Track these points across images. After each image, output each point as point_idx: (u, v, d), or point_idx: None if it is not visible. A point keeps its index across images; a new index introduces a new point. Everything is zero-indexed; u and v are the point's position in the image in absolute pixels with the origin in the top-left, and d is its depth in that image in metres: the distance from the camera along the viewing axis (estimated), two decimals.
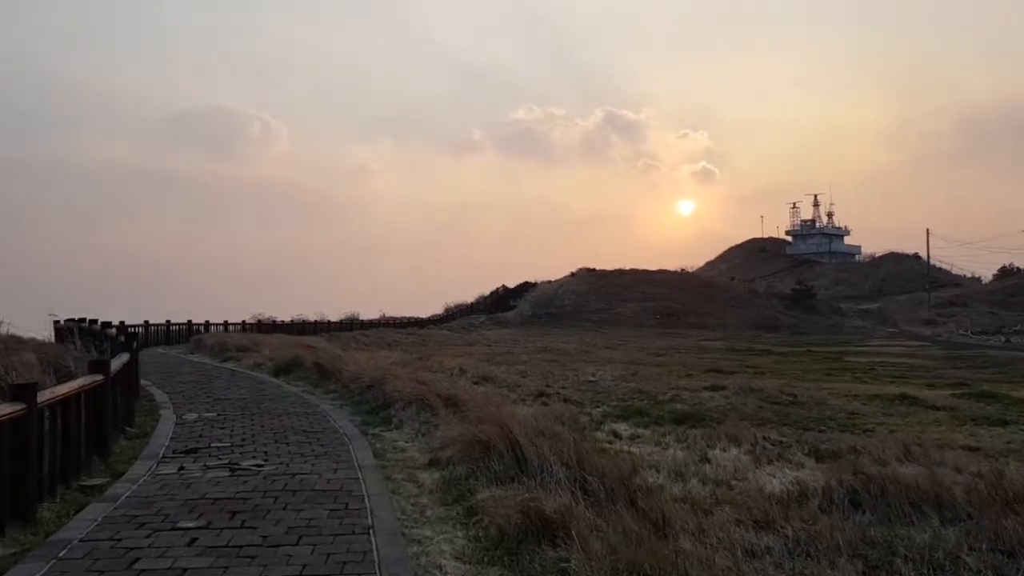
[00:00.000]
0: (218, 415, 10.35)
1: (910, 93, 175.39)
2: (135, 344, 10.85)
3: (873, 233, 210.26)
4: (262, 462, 7.44)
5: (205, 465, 7.33)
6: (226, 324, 35.78)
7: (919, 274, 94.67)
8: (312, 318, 45.66)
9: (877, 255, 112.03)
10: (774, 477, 9.56)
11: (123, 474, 6.96)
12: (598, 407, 15.96)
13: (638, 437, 12.38)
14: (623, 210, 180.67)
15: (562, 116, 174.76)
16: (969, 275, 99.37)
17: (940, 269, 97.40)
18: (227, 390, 12.87)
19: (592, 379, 20.73)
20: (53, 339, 20.42)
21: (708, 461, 10.45)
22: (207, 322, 34.12)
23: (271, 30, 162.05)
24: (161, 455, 7.79)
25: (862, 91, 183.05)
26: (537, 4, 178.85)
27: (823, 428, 14.09)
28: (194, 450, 8.04)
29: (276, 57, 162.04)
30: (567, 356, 34.19)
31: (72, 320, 18.10)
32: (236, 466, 7.30)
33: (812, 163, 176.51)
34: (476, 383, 18.44)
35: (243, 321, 37.87)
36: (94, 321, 16.72)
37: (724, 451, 11.18)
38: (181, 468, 7.23)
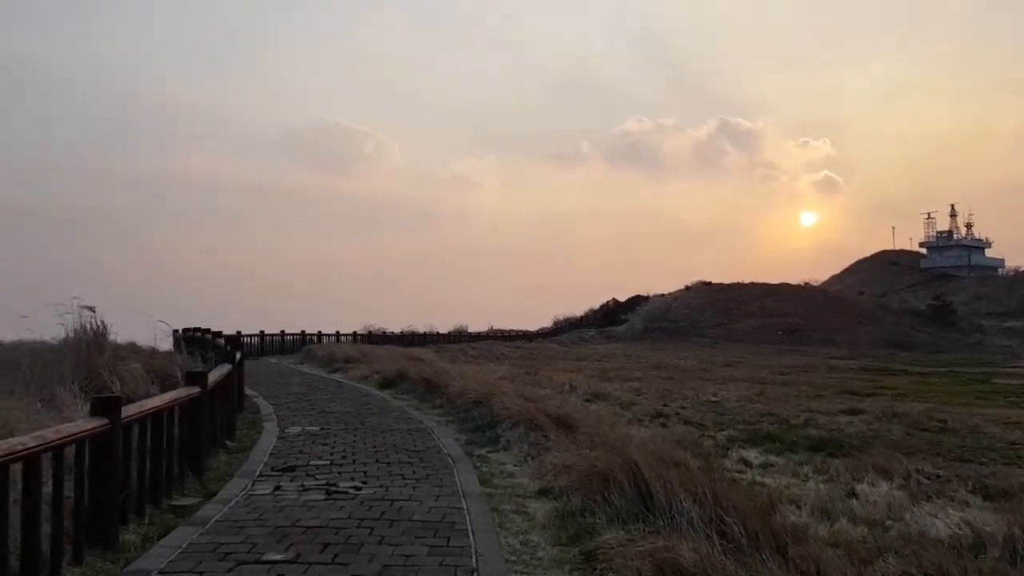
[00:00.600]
0: (321, 429, 9.92)
1: None
2: (239, 355, 10.61)
3: (1016, 245, 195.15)
4: (360, 484, 6.85)
5: (302, 485, 6.80)
6: (338, 335, 36.30)
7: None
8: (421, 330, 45.92)
9: (1022, 269, 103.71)
10: (936, 518, 8.23)
11: (216, 493, 6.51)
12: (723, 430, 14.75)
13: (771, 466, 11.18)
14: (739, 222, 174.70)
15: (672, 126, 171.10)
16: None
17: None
18: (332, 403, 12.52)
19: (714, 399, 19.42)
20: (172, 348, 21.03)
21: (855, 496, 9.20)
22: (320, 332, 34.68)
23: (379, 49, 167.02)
24: (258, 472, 7.34)
25: (995, 93, 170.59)
26: (645, 13, 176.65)
27: (983, 460, 12.43)
28: (292, 468, 7.55)
29: (385, 75, 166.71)
30: (684, 373, 32.72)
31: (187, 329, 18.43)
32: (334, 487, 6.74)
33: (944, 171, 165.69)
34: (588, 400, 17.56)
35: (354, 332, 38.36)
36: (206, 330, 16.89)
37: (873, 485, 9.85)
38: (277, 488, 6.72)
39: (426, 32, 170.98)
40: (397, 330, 43.77)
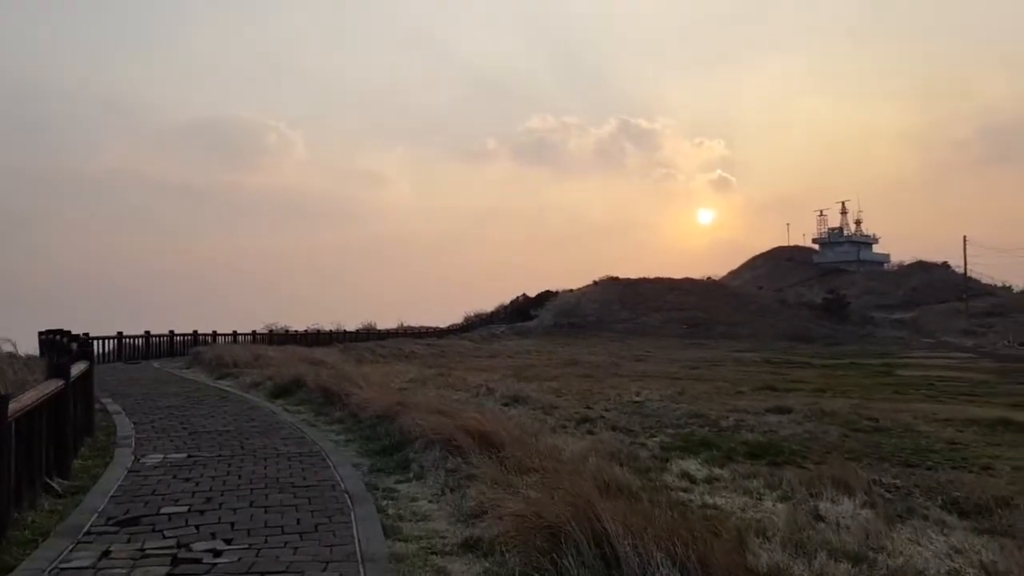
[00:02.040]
0: (188, 456, 8.05)
1: (932, 96, 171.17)
2: (82, 365, 8.58)
3: (899, 241, 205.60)
4: (222, 545, 5.12)
5: (141, 549, 5.02)
6: (235, 334, 33.63)
7: (951, 283, 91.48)
8: (328, 327, 43.52)
9: (906, 263, 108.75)
10: (922, 547, 7.12)
11: (11, 569, 4.65)
12: (653, 436, 13.53)
13: (716, 480, 9.94)
14: (641, 219, 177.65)
15: (576, 125, 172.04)
16: (1001, 284, 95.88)
17: (971, 278, 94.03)
18: (209, 419, 10.58)
19: (637, 399, 18.27)
20: (39, 353, 18.39)
21: (822, 519, 8.04)
22: (214, 332, 31.98)
23: (283, 40, 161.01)
24: (87, 528, 5.49)
25: (882, 94, 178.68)
26: (549, 12, 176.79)
27: (930, 464, 11.63)
28: (135, 519, 5.72)
29: (288, 67, 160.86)
30: (598, 369, 31.74)
31: (47, 332, 15.97)
32: (185, 552, 4.99)
33: (834, 170, 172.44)
34: (506, 405, 16.08)
35: (253, 331, 35.72)
36: (63, 332, 14.56)
37: (835, 503, 8.72)
38: (104, 555, 4.92)
39: (335, 26, 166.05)
40: (302, 328, 41.26)
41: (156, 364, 22.80)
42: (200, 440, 8.97)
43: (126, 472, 7.32)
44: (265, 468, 7.52)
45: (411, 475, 7.48)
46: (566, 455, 10.55)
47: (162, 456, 8.06)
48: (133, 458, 7.96)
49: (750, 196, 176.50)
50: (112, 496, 6.38)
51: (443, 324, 63.60)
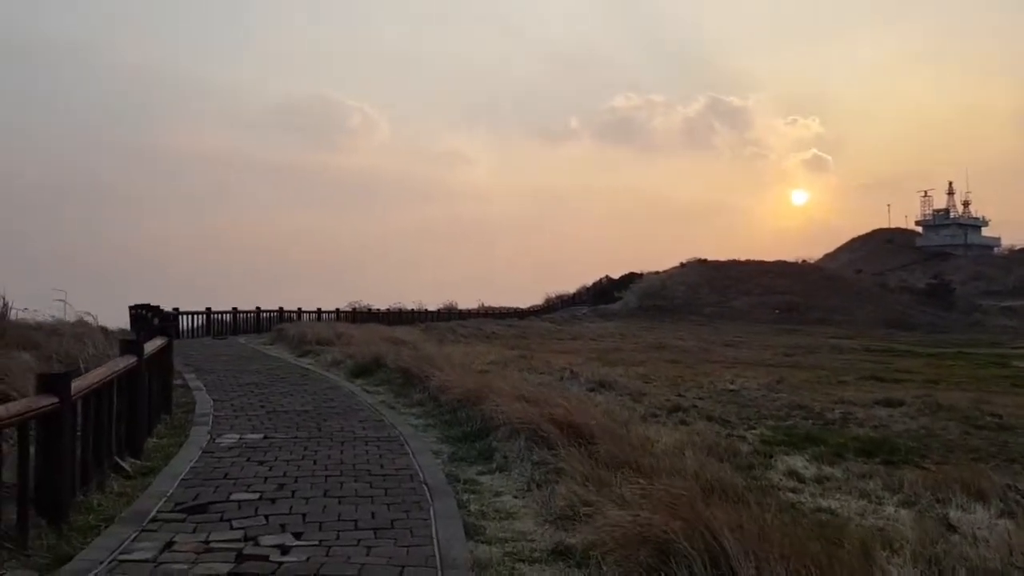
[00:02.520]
0: (264, 438, 7.73)
1: None
2: (158, 341, 8.35)
3: (1012, 226, 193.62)
4: (291, 540, 4.68)
5: (205, 541, 4.62)
6: (319, 312, 33.98)
7: None
8: (409, 307, 43.68)
9: (1017, 247, 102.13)
10: None
11: (69, 559, 4.32)
12: (752, 428, 12.65)
13: (827, 480, 9.07)
14: (729, 200, 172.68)
15: (662, 103, 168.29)
16: None
17: None
18: (289, 397, 10.32)
19: (732, 387, 17.32)
20: (129, 327, 18.77)
21: (954, 529, 7.12)
22: (299, 309, 32.34)
23: (366, 22, 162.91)
24: (152, 515, 5.15)
25: (991, 69, 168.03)
26: None
27: None
28: (204, 507, 5.36)
29: (371, 48, 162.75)
30: (686, 355, 30.69)
31: (139, 307, 16.17)
32: (251, 546, 4.57)
33: (938, 150, 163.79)
34: (592, 390, 15.42)
35: (337, 309, 36.05)
36: (152, 307, 14.67)
37: (966, 511, 7.76)
38: (167, 547, 4.55)
39: (416, 6, 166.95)
40: (384, 307, 41.49)
41: (242, 340, 23.08)
42: (278, 420, 8.67)
43: (200, 453, 7.02)
44: (342, 453, 7.11)
45: (494, 466, 6.93)
46: (660, 447, 9.82)
47: (238, 436, 7.76)
48: (209, 438, 7.69)
49: (846, 176, 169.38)
50: (183, 479, 6.06)
51: (524, 305, 63.15)
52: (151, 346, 7.50)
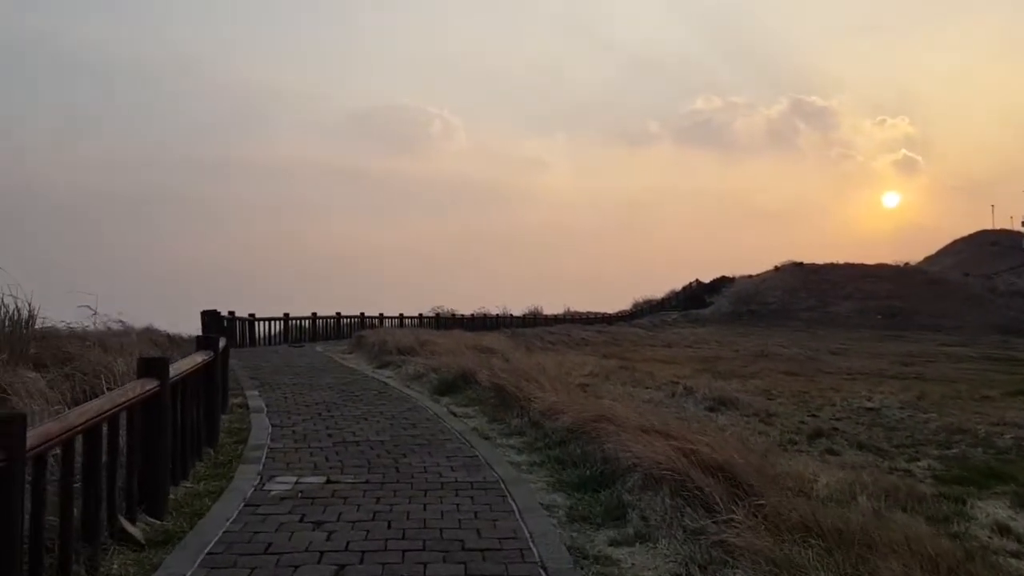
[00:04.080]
0: (326, 482, 6.03)
1: None
2: (206, 353, 6.76)
3: None
4: None
5: None
6: (401, 317, 32.72)
7: None
8: (494, 312, 42.12)
9: None
10: None
11: None
12: (915, 460, 10.38)
13: None
14: (817, 202, 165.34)
15: (744, 105, 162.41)
16: None
17: None
18: (362, 422, 8.63)
19: (870, 404, 14.92)
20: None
21: None
22: (381, 315, 31.13)
23: (443, 28, 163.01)
24: None
25: None
26: None
27: None
28: None
29: (449, 55, 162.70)
30: (795, 364, 28.07)
31: (207, 312, 14.92)
32: None
33: None
34: (711, 409, 13.35)
35: (420, 314, 34.78)
36: (214, 313, 13.36)
37: None
38: None
39: (491, 11, 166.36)
40: (468, 312, 40.02)
41: (319, 347, 21.78)
42: (346, 455, 6.97)
43: (241, 506, 5.35)
44: (425, 509, 5.32)
45: (631, 532, 5.02)
46: (821, 489, 7.76)
47: (294, 480, 6.07)
48: (258, 481, 6.04)
49: (939, 177, 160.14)
50: (209, 553, 4.37)
51: (610, 310, 61.01)
52: (185, 365, 5.90)
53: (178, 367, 5.71)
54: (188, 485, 5.91)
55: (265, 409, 9.35)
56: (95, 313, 10.03)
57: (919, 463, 10.07)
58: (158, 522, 4.95)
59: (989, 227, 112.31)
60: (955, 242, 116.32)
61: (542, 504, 5.61)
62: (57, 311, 9.60)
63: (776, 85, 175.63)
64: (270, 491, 5.78)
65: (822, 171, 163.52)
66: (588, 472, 6.25)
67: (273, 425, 8.31)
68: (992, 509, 7.83)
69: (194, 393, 6.33)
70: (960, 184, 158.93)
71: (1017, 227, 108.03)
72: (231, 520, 5.04)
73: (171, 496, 5.50)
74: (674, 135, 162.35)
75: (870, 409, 14.42)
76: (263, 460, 6.70)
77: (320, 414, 9.13)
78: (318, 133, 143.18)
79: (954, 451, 11.03)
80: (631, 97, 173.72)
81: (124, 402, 4.54)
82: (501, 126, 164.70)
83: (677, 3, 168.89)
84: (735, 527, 4.88)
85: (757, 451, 9.35)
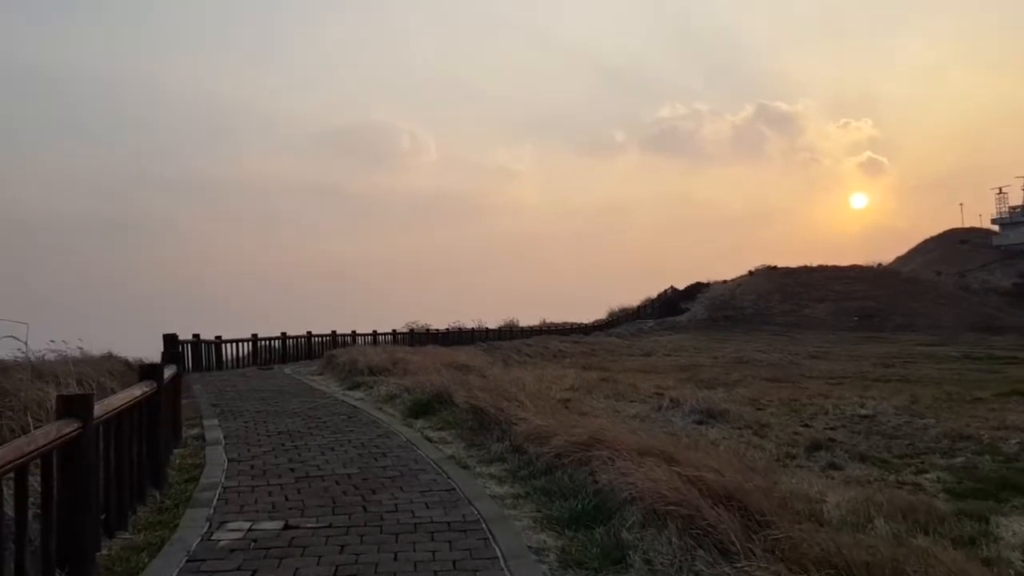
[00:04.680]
0: (284, 528, 5.29)
1: None
2: (147, 384, 5.99)
3: None
4: None
5: None
6: (375, 334, 31.83)
7: None
8: (469, 326, 41.33)
9: None
10: None
11: None
12: (923, 471, 9.82)
13: None
14: (786, 206, 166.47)
15: (709, 112, 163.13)
16: None
17: None
18: (328, 453, 7.88)
19: (863, 411, 14.39)
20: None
21: None
22: (354, 332, 30.21)
23: (408, 42, 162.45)
24: None
25: None
26: None
27: None
28: None
29: (415, 68, 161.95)
30: (776, 369, 27.62)
31: (169, 336, 14.05)
32: None
33: (1001, 146, 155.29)
34: (700, 423, 12.73)
35: (393, 330, 33.89)
36: (172, 337, 12.55)
37: None
38: None
39: (455, 22, 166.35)
40: (443, 327, 39.19)
41: (288, 369, 20.90)
42: (308, 492, 6.23)
43: (183, 562, 4.61)
44: (396, 559, 4.62)
45: None
46: (831, 511, 7.16)
47: (247, 527, 5.33)
48: (206, 528, 5.29)
49: (904, 178, 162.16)
50: None
51: (586, 320, 60.43)
52: (115, 401, 5.15)
53: (108, 404, 4.96)
54: (126, 536, 5.15)
55: (223, 441, 8.56)
56: (26, 344, 9.14)
57: (927, 475, 9.52)
58: None
59: (958, 225, 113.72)
60: (925, 241, 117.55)
61: (530, 547, 4.93)
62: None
63: (741, 91, 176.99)
64: (218, 541, 5.03)
65: (790, 175, 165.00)
66: (580, 505, 5.57)
67: (230, 459, 7.54)
68: (1017, 527, 7.27)
69: (132, 431, 5.57)
70: (926, 184, 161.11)
71: (986, 224, 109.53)
72: None
73: (104, 552, 4.76)
74: (641, 143, 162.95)
75: (864, 416, 13.90)
76: (214, 502, 5.94)
77: (283, 444, 8.37)
78: (286, 150, 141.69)
79: (960, 460, 10.51)
80: (597, 106, 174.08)
81: (33, 451, 3.80)
82: (470, 138, 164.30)
83: (641, 12, 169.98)
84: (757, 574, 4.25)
85: (758, 470, 8.77)
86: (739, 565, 4.29)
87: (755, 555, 4.41)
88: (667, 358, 34.82)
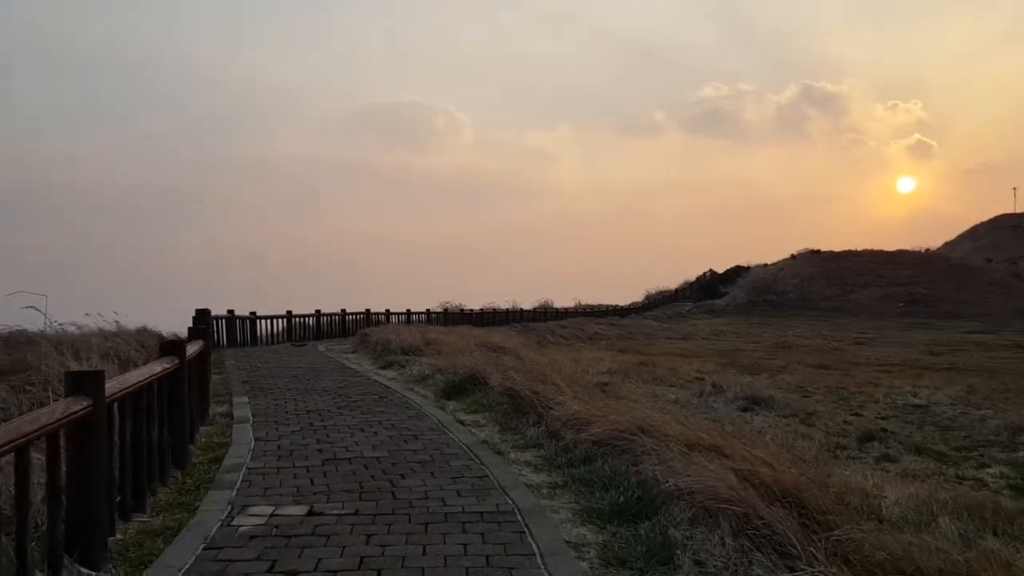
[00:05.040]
0: (308, 514, 5.01)
1: None
2: (170, 360, 5.74)
3: None
4: None
5: None
6: (408, 313, 31.71)
7: None
8: (504, 306, 41.04)
9: None
10: None
11: None
12: (984, 465, 9.27)
13: None
14: (830, 189, 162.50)
15: (752, 92, 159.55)
16: None
17: None
18: (357, 434, 7.59)
19: (916, 400, 13.78)
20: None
21: None
22: (387, 311, 30.09)
23: (444, 24, 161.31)
24: None
25: None
26: None
27: None
28: None
29: (452, 50, 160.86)
30: (821, 355, 26.88)
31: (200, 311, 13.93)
32: None
33: None
34: (744, 409, 12.25)
35: (427, 310, 33.77)
36: (208, 314, 12.41)
37: None
38: None
39: (495, 7, 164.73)
40: (477, 307, 38.97)
41: (322, 347, 20.79)
42: (335, 476, 5.94)
43: (200, 550, 4.34)
44: (424, 553, 4.29)
45: None
46: (891, 508, 6.69)
47: (270, 512, 5.05)
48: (227, 512, 5.02)
49: (954, 161, 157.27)
50: None
51: (622, 302, 59.78)
52: (131, 379, 4.88)
53: (123, 380, 4.69)
54: (143, 520, 4.90)
55: (251, 419, 8.33)
56: (45, 316, 9.06)
57: (989, 470, 8.97)
58: (93, 574, 3.94)
59: (1010, 211, 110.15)
60: (975, 227, 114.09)
61: (568, 542, 4.56)
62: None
63: (785, 71, 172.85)
64: (239, 527, 4.75)
65: (834, 158, 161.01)
66: (622, 498, 5.19)
67: (257, 439, 7.30)
68: None
69: (152, 409, 5.31)
70: (977, 168, 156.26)
71: None
72: (183, 571, 4.03)
73: (119, 536, 4.51)
74: (681, 124, 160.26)
75: (917, 406, 13.28)
76: (237, 484, 5.67)
77: (312, 424, 8.11)
78: (322, 131, 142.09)
79: (1022, 454, 9.92)
80: (636, 86, 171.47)
81: (33, 431, 3.52)
82: (506, 119, 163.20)
83: None
84: None
85: (800, 454, 8.32)
86: (801, 571, 3.88)
87: (818, 559, 4.00)
88: (706, 342, 34.20)
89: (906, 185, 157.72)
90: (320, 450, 6.84)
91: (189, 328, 8.65)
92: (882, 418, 12.12)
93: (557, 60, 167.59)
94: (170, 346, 6.09)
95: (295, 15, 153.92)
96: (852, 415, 12.23)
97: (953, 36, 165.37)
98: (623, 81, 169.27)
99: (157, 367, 5.41)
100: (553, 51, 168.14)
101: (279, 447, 6.96)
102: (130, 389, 4.80)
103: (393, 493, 5.48)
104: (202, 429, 7.62)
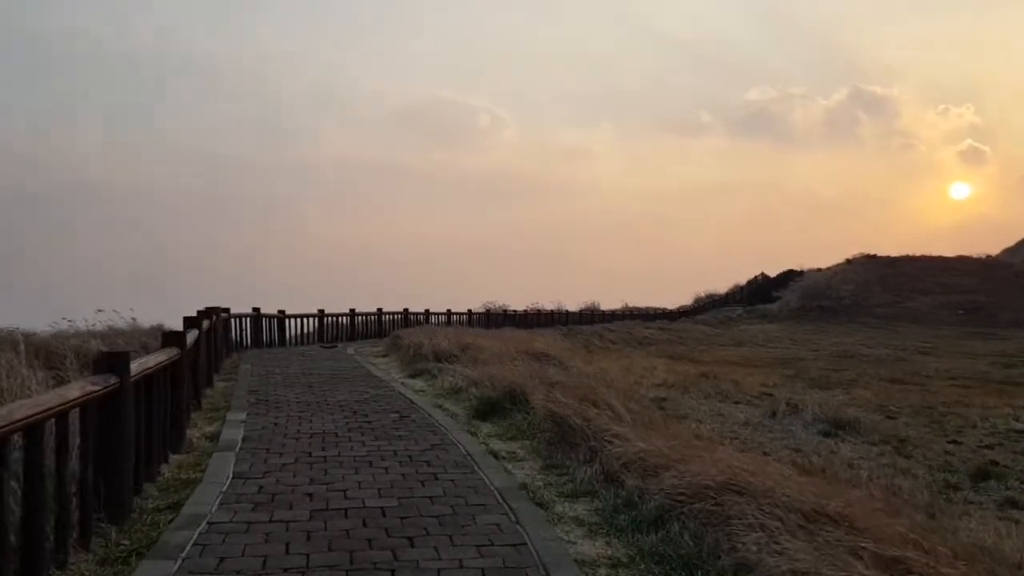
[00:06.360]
0: None
1: None
2: (119, 373, 4.31)
3: None
4: None
5: None
6: (449, 314, 30.34)
7: None
8: (548, 307, 39.51)
9: None
10: None
11: None
12: None
13: None
14: (880, 194, 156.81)
15: (801, 95, 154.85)
16: None
17: None
18: (363, 471, 6.08)
19: (1020, 425, 11.88)
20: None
21: None
22: (427, 311, 28.75)
23: (485, 21, 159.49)
24: None
25: None
26: None
27: None
28: None
29: (493, 48, 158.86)
30: (888, 367, 24.81)
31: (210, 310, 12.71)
32: None
33: None
34: (826, 433, 10.54)
35: (469, 310, 32.39)
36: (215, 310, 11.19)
37: None
38: None
39: (537, 3, 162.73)
40: (521, 308, 37.49)
41: (352, 349, 19.47)
42: (320, 539, 4.46)
43: None
44: None
45: None
46: None
47: None
48: None
49: (1008, 167, 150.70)
50: None
51: (671, 305, 57.93)
52: (75, 392, 3.46)
53: (61, 397, 3.26)
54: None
55: (239, 444, 6.90)
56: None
57: None
58: None
59: None
60: None
61: None
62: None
63: (834, 74, 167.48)
64: None
65: (884, 162, 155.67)
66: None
67: (236, 475, 5.85)
68: None
69: (94, 438, 3.91)
70: None
71: None
72: None
73: None
74: (728, 126, 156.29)
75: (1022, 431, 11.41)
76: (184, 552, 4.20)
77: (311, 454, 6.65)
78: (360, 131, 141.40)
79: None
80: (681, 86, 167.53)
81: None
82: (548, 117, 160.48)
83: None
84: None
85: (915, 503, 6.67)
86: None
87: None
88: (761, 349, 32.24)
89: (959, 191, 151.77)
90: (311, 494, 5.36)
91: (163, 333, 7.26)
92: (986, 447, 10.30)
93: (602, 58, 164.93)
94: (107, 366, 4.55)
95: (323, 15, 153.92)
96: (950, 443, 10.41)
97: (1007, 39, 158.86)
98: (668, 80, 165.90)
99: (71, 393, 3.90)
100: (596, 46, 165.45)
101: (260, 489, 5.50)
102: (32, 419, 3.37)
103: (393, 572, 3.98)
104: (174, 458, 6.23)
